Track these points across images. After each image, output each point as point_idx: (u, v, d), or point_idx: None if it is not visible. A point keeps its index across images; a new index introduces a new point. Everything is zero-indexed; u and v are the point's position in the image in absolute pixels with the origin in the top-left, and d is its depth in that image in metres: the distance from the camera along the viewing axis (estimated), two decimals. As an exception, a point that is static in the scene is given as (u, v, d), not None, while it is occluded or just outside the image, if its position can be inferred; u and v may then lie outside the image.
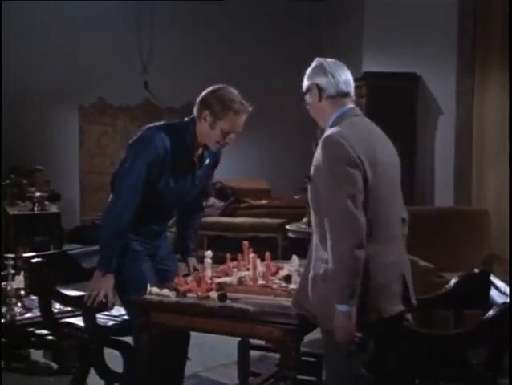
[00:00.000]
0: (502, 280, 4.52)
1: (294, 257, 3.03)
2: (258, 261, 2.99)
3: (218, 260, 3.28)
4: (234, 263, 3.18)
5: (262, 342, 3.51)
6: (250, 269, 2.96)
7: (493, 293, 2.76)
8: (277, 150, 10.17)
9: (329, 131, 2.52)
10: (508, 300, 2.69)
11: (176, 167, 3.07)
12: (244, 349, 3.51)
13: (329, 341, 2.46)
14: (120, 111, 9.99)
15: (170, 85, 9.76)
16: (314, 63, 2.70)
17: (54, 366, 4.22)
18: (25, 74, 8.93)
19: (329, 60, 2.68)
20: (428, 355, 2.65)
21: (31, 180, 7.38)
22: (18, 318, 3.78)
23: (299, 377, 2.69)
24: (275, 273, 3.07)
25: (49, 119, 9.46)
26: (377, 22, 6.82)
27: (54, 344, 3.98)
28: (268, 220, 8.02)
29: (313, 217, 2.60)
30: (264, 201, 8.90)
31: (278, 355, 3.41)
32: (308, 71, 2.71)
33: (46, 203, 6.52)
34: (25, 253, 6.68)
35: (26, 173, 7.90)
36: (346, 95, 2.62)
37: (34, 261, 3.28)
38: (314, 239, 2.59)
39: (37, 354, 4.36)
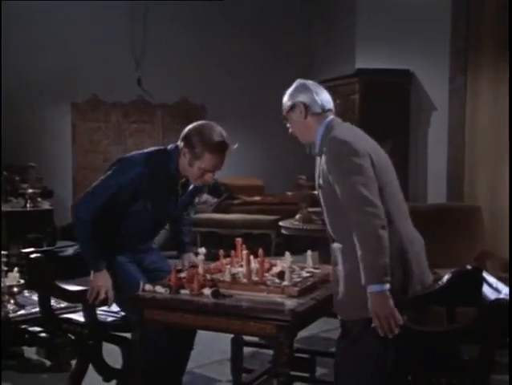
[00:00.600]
0: (495, 276, 4.55)
1: (288, 253, 3.03)
2: (252, 257, 3.00)
3: (211, 256, 3.28)
4: (227, 260, 3.18)
5: (255, 339, 3.52)
6: (244, 265, 2.96)
7: (485, 289, 2.77)
8: (270, 147, 10.17)
9: (330, 136, 2.72)
10: (499, 296, 2.71)
11: (157, 193, 3.12)
12: (237, 345, 3.51)
13: (359, 331, 2.60)
14: (113, 107, 9.97)
15: (163, 82, 9.75)
16: (295, 84, 2.93)
17: (48, 363, 4.22)
18: (18, 71, 8.90)
19: (310, 81, 2.93)
20: (420, 352, 2.66)
21: (24, 177, 7.36)
22: (11, 315, 3.78)
23: (292, 373, 2.69)
24: (268, 270, 3.07)
25: (42, 116, 9.43)
26: (370, 19, 6.82)
27: (48, 341, 3.98)
28: (261, 217, 8.03)
29: (330, 221, 2.78)
30: (257, 198, 8.91)
31: (271, 352, 3.44)
32: (290, 92, 2.91)
33: (39, 199, 6.50)
34: (18, 249, 6.69)
35: (18, 170, 7.88)
36: (329, 110, 2.86)
37: (33, 256, 3.27)
38: (335, 244, 2.76)
39: (30, 352, 4.36)
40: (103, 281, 3.10)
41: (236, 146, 3.07)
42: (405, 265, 2.65)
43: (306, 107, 2.83)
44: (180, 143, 3.09)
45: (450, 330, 2.64)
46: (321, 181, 2.76)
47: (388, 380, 2.64)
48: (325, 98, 2.86)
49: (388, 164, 2.83)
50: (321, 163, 2.76)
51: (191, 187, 3.28)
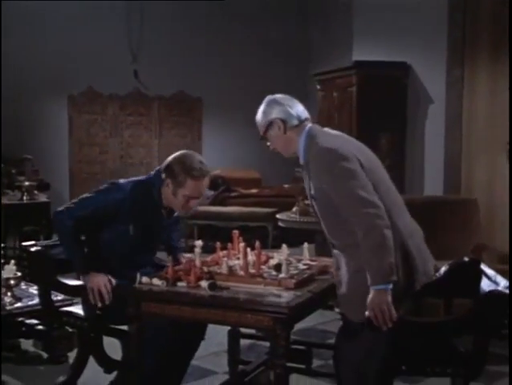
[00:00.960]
0: (492, 268, 4.56)
1: (284, 246, 3.03)
2: (248, 250, 3.00)
3: (208, 249, 3.28)
4: (224, 252, 3.18)
5: (252, 331, 3.53)
6: (241, 258, 2.97)
7: (483, 281, 2.78)
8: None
9: (316, 147, 2.74)
10: (497, 288, 2.72)
11: (140, 218, 3.22)
12: (234, 337, 3.52)
13: (362, 328, 2.62)
14: (110, 99, 9.94)
15: (160, 74, 9.73)
16: (266, 101, 2.92)
17: (45, 355, 4.22)
18: (13, 64, 8.86)
19: (279, 95, 2.93)
20: (415, 342, 2.67)
21: (20, 170, 7.34)
22: (8, 307, 3.78)
23: (289, 365, 2.70)
24: (265, 262, 3.07)
25: (38, 108, 9.40)
26: (367, 11, 6.81)
27: (45, 334, 3.99)
28: (258, 210, 8.03)
29: (330, 230, 2.80)
30: (254, 190, 8.90)
31: (268, 344, 3.45)
32: (263, 110, 2.91)
33: (36, 192, 6.49)
34: (14, 242, 6.69)
35: (14, 162, 7.86)
36: (306, 120, 2.87)
37: (33, 249, 3.27)
38: (337, 250, 2.79)
39: (27, 344, 4.36)
40: (96, 278, 3.14)
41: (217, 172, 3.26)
42: (408, 260, 2.67)
43: (284, 122, 2.84)
44: (162, 175, 3.20)
45: (444, 320, 2.66)
46: (313, 192, 2.78)
47: (384, 370, 2.66)
48: (299, 109, 2.88)
49: (376, 161, 2.85)
50: (309, 173, 2.77)
51: (176, 213, 3.36)
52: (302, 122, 2.85)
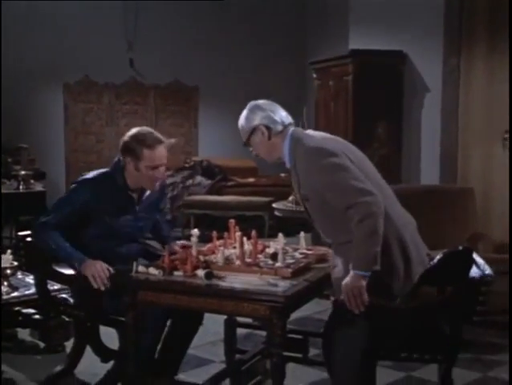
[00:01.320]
0: (486, 257, 4.57)
1: (281, 235, 3.04)
2: (245, 239, 3.00)
3: (205, 238, 3.28)
4: (221, 241, 3.18)
5: (248, 320, 3.54)
6: (237, 247, 2.97)
7: (472, 269, 2.81)
8: (263, 128, 10.13)
9: (303, 148, 2.75)
10: (482, 274, 2.76)
11: (113, 206, 3.25)
12: (230, 327, 3.52)
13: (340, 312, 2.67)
14: (106, 88, 9.91)
15: (156, 63, 9.70)
16: (249, 108, 2.94)
17: (42, 344, 4.23)
18: (9, 52, 8.82)
19: (261, 101, 2.93)
20: (391, 328, 2.70)
21: (16, 159, 7.32)
22: (5, 297, 3.78)
23: (285, 354, 2.71)
24: (262, 252, 3.08)
25: (33, 97, 9.37)
26: (364, 0, 6.78)
27: (41, 323, 3.99)
28: (255, 199, 8.03)
29: (325, 229, 2.83)
30: (251, 179, 8.90)
31: (264, 333, 3.45)
32: (245, 116, 2.93)
33: (32, 181, 6.47)
34: (11, 232, 6.68)
35: (10, 151, 7.84)
36: (290, 124, 2.88)
37: (30, 239, 3.27)
38: (333, 248, 2.82)
39: (24, 333, 4.36)
40: (95, 265, 3.13)
41: (174, 140, 3.32)
42: (405, 253, 2.70)
43: (268, 128, 2.85)
44: (121, 157, 3.26)
45: (420, 306, 2.68)
46: (305, 192, 2.79)
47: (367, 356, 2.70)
48: (282, 114, 2.89)
49: (363, 157, 2.87)
50: (298, 175, 2.79)
51: (147, 193, 3.36)
52: (285, 127, 2.86)
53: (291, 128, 2.87)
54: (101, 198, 3.23)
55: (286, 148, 2.83)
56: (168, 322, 3.30)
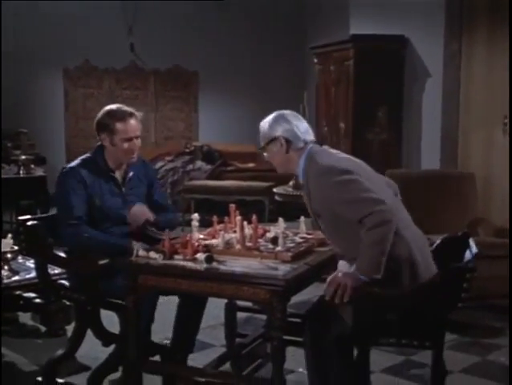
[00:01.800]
0: (487, 242, 4.60)
1: (281, 219, 3.05)
2: (245, 223, 3.00)
3: (205, 223, 3.28)
4: (221, 226, 3.18)
5: (248, 304, 3.54)
6: (237, 231, 2.97)
7: (466, 254, 2.82)
8: (264, 113, 10.06)
9: (316, 166, 2.75)
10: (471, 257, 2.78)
11: (100, 188, 3.31)
12: (231, 311, 3.53)
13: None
14: (106, 73, 9.89)
15: (156, 47, 9.67)
16: (275, 115, 2.91)
17: (43, 328, 4.24)
18: (9, 37, 8.79)
19: (288, 112, 2.91)
20: (381, 313, 2.72)
21: (16, 144, 7.32)
22: (5, 281, 3.79)
23: (285, 337, 2.71)
24: (262, 236, 3.08)
25: (34, 82, 9.34)
26: (365, -16, 6.75)
27: (42, 307, 4.00)
28: (255, 184, 8.03)
29: (339, 244, 2.84)
30: (251, 164, 8.89)
31: (264, 317, 3.46)
32: (270, 123, 2.89)
33: (32, 166, 6.48)
34: (11, 216, 6.69)
35: (10, 136, 7.83)
36: (310, 141, 2.86)
37: (30, 223, 3.27)
38: (344, 260, 2.81)
39: (25, 317, 4.38)
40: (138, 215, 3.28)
41: (141, 114, 3.39)
42: (413, 269, 2.69)
43: (288, 141, 2.84)
44: (97, 137, 3.38)
45: (407, 292, 2.68)
46: (317, 207, 2.79)
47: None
48: (305, 130, 2.88)
49: (374, 173, 2.88)
50: (310, 192, 2.79)
51: (130, 174, 3.40)
52: (306, 144, 2.85)
53: (310, 146, 2.86)
54: (87, 183, 3.28)
55: (302, 165, 2.83)
56: (176, 310, 3.34)
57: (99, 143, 3.41)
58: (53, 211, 3.47)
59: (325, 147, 2.94)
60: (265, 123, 2.92)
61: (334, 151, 2.93)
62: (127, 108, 3.36)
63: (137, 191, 3.44)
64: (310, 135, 2.90)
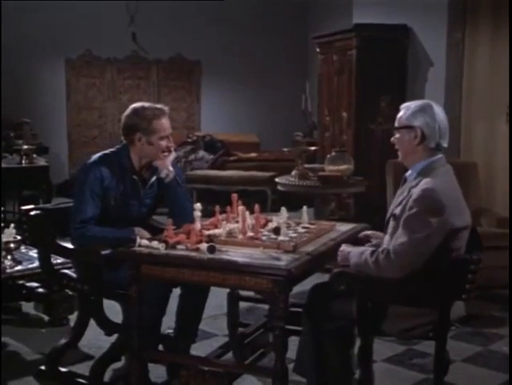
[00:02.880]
0: (489, 232, 4.59)
1: (283, 209, 3.05)
2: (247, 213, 3.00)
3: (207, 213, 3.28)
4: (223, 215, 3.18)
5: (251, 294, 3.55)
6: (240, 221, 2.97)
7: None
8: (266, 103, 10.11)
9: (427, 185, 2.65)
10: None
11: (120, 188, 3.28)
12: (233, 300, 3.54)
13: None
14: (108, 63, 9.88)
15: (158, 37, 9.64)
16: (422, 104, 2.78)
17: (46, 318, 4.25)
18: (11, 27, 8.78)
19: (437, 107, 2.77)
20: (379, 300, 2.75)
21: (18, 133, 7.32)
22: (8, 270, 3.80)
23: (287, 327, 2.72)
24: (264, 226, 3.08)
25: (35, 72, 9.34)
26: (368, -27, 6.71)
27: (45, 296, 4.01)
28: (257, 173, 8.03)
29: None
30: (253, 154, 8.89)
31: (266, 306, 3.47)
32: (414, 109, 2.76)
33: (34, 156, 6.47)
34: (14, 206, 6.70)
35: (13, 126, 7.83)
36: (443, 149, 2.77)
37: (33, 213, 3.27)
38: None
39: (28, 307, 4.39)
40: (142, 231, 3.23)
41: (167, 107, 3.34)
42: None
43: (424, 136, 2.74)
44: (127, 137, 3.29)
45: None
46: (397, 212, 2.75)
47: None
48: (444, 132, 2.76)
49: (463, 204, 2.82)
50: (405, 198, 2.73)
51: (153, 179, 3.38)
52: (437, 149, 2.77)
53: (440, 155, 2.78)
54: (105, 182, 3.24)
55: (420, 166, 2.76)
56: (178, 299, 3.34)
57: (123, 142, 3.34)
58: (56, 201, 3.46)
59: (448, 166, 2.82)
60: (409, 106, 2.80)
61: (451, 174, 2.82)
62: (157, 105, 3.33)
63: (153, 197, 3.43)
64: (445, 141, 2.78)
